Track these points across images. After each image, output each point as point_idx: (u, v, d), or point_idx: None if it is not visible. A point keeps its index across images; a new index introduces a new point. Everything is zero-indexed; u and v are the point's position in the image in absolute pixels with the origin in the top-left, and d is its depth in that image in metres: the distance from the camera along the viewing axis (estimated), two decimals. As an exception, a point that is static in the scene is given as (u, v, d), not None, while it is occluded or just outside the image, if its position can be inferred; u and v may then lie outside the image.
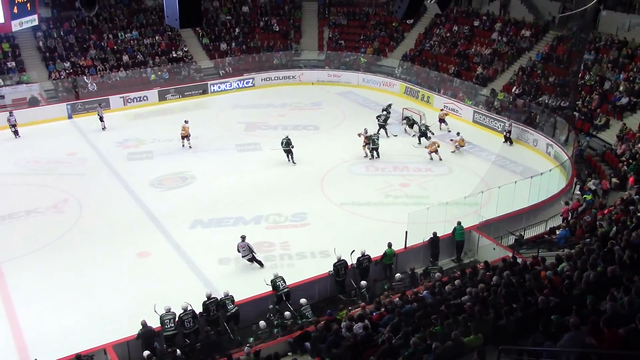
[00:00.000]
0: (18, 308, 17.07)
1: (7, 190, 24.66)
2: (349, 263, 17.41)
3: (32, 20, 17.03)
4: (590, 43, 31.74)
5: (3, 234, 21.12)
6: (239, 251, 18.89)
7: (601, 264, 11.64)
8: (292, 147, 26.95)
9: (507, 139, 29.32)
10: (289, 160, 26.98)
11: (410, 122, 30.81)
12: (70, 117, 33.16)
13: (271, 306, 16.09)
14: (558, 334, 9.09)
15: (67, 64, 36.26)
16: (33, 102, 33.75)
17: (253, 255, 18.93)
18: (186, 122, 29.02)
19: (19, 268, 18.98)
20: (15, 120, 30.39)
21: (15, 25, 16.22)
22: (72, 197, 23.77)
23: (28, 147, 29.09)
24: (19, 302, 17.29)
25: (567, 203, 21.24)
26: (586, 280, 10.90)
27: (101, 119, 31.75)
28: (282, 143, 27.04)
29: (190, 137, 28.92)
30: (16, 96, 33.94)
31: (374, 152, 27.67)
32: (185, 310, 15.07)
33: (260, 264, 18.98)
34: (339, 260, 17.19)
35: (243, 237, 18.86)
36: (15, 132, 30.39)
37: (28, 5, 16.29)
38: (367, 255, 17.65)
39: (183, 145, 28.91)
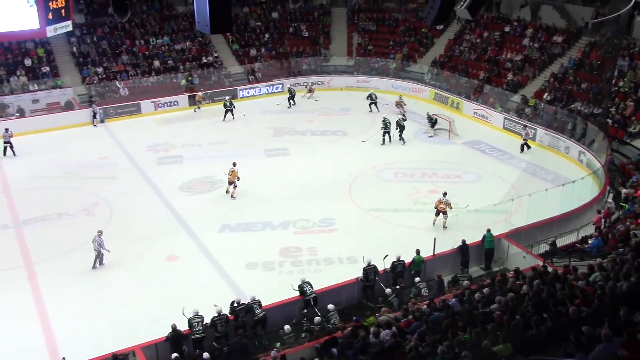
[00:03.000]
0: (49, 308, 17.34)
1: (40, 193, 25.11)
2: (381, 268, 17.37)
3: (66, 26, 17.36)
4: (624, 49, 31.22)
5: (36, 236, 21.50)
6: (100, 247, 19.28)
7: (635, 274, 11.41)
8: (234, 107, 33.81)
9: (525, 146, 28.95)
10: (225, 119, 33.52)
11: (433, 121, 30.93)
12: (102, 121, 33.65)
13: (305, 310, 16.16)
14: (590, 345, 8.92)
15: (100, 69, 36.85)
16: (69, 106, 34.39)
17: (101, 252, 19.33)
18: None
19: (51, 269, 19.31)
20: (10, 135, 28.84)
21: (50, 31, 16.56)
22: (103, 201, 24.10)
23: (60, 151, 29.58)
24: (50, 303, 17.56)
25: (599, 212, 20.89)
26: (619, 291, 10.68)
27: (94, 115, 33.28)
28: (224, 105, 33.77)
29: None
30: (50, 100, 34.60)
31: (387, 135, 29.90)
32: (219, 314, 15.20)
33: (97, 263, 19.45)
34: (369, 265, 17.19)
35: (100, 232, 19.46)
36: (5, 150, 28.69)
37: (62, 11, 16.61)
38: (402, 260, 17.61)
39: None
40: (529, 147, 28.98)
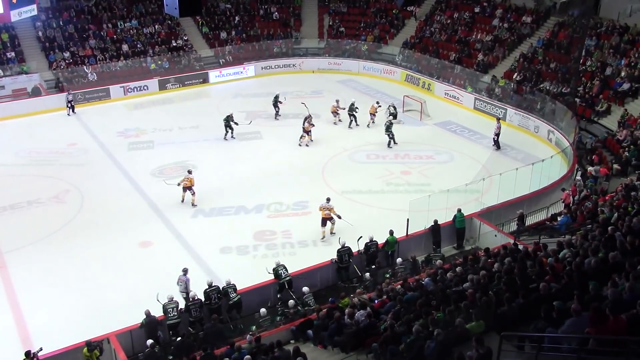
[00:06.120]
0: (21, 298, 17.13)
1: (9, 180, 24.67)
2: (355, 250, 17.49)
3: (31, 10, 17.06)
4: (592, 29, 31.60)
5: (5, 225, 21.16)
6: (178, 284, 16.42)
7: (602, 250, 11.65)
8: (234, 124, 28.33)
9: (496, 143, 27.10)
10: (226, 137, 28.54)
11: (394, 114, 29.82)
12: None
13: (279, 295, 16.20)
14: (560, 320, 9.11)
15: (67, 54, 36.17)
16: (36, 92, 33.68)
17: (188, 293, 15.91)
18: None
19: (22, 258, 19.05)
20: None
21: (15, 15, 16.24)
22: (73, 188, 23.79)
23: (28, 138, 29.05)
24: (22, 292, 17.34)
25: (563, 190, 21.29)
26: (587, 267, 10.91)
27: (69, 103, 32.13)
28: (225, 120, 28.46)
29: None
30: (16, 86, 33.86)
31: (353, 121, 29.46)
32: (193, 299, 15.17)
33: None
34: (343, 246, 17.28)
35: (185, 270, 16.53)
36: None
37: (27, -5, 16.27)
38: (375, 241, 17.74)
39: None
40: (498, 146, 27.04)
